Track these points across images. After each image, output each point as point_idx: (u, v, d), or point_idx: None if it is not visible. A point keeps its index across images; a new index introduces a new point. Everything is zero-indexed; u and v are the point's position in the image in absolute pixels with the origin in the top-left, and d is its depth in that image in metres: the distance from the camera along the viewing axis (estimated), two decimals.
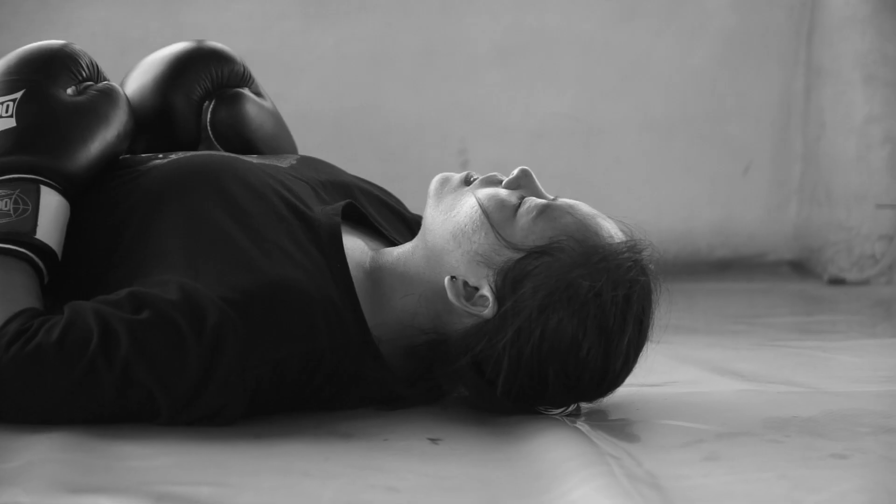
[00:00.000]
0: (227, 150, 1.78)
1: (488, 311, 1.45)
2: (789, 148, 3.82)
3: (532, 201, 1.48)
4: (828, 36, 3.70)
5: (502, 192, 1.50)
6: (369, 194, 1.72)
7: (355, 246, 1.56)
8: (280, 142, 1.89)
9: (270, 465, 1.29)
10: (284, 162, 1.67)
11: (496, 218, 1.47)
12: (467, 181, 1.53)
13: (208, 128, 1.80)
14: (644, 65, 3.75)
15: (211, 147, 1.79)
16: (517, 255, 1.45)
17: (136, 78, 1.82)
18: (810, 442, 1.43)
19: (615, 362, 1.44)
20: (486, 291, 1.46)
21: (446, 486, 1.25)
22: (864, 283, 3.58)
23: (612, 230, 1.48)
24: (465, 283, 1.47)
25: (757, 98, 3.79)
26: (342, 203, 1.60)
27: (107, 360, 1.36)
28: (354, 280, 1.50)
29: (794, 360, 2.11)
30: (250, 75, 1.86)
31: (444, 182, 1.54)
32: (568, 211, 1.48)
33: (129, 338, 1.36)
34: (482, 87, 3.70)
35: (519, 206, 1.48)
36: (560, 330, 1.41)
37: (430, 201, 1.54)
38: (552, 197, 1.51)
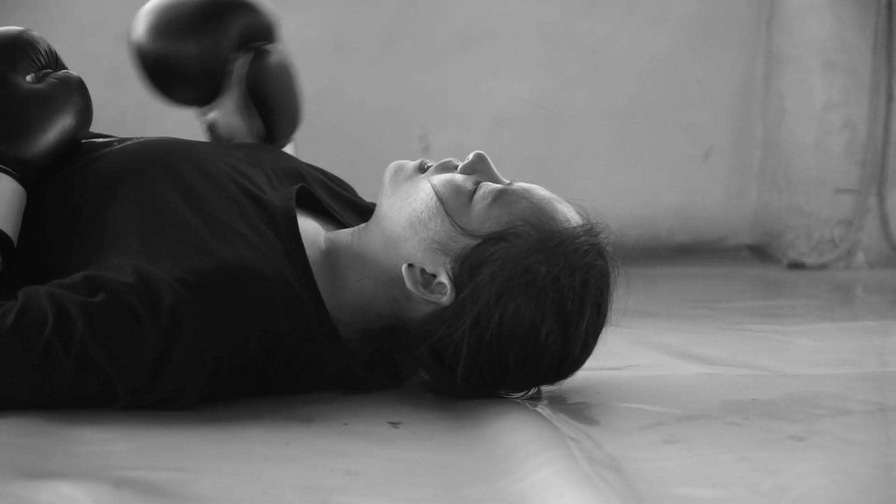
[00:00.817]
0: (256, 105, 1.78)
1: (446, 298, 1.45)
2: (749, 134, 3.84)
3: (487, 187, 1.48)
4: (787, 23, 3.72)
5: (458, 177, 1.50)
6: (321, 182, 1.72)
7: (309, 227, 1.56)
8: (295, 104, 1.87)
9: (230, 450, 1.28)
10: (239, 150, 1.67)
11: (452, 205, 1.47)
12: (422, 168, 1.53)
13: (243, 81, 1.78)
14: (606, 51, 3.76)
15: (236, 100, 1.77)
16: (474, 242, 1.45)
17: (159, 15, 1.77)
18: (769, 424, 1.44)
19: (574, 346, 1.44)
20: (443, 279, 1.45)
21: (406, 469, 1.25)
22: (823, 267, 3.60)
23: (568, 214, 1.49)
24: (423, 271, 1.47)
25: (718, 84, 3.81)
26: (296, 187, 1.60)
27: (63, 343, 1.35)
28: (311, 261, 1.49)
29: (754, 344, 2.12)
30: (278, 25, 1.83)
31: (399, 170, 1.54)
32: (524, 195, 1.48)
33: (84, 321, 1.35)
34: (444, 73, 3.70)
35: (475, 191, 1.48)
36: (518, 315, 1.41)
37: (386, 189, 1.53)
38: (508, 181, 1.51)
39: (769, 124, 3.79)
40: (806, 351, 2.04)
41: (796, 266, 3.61)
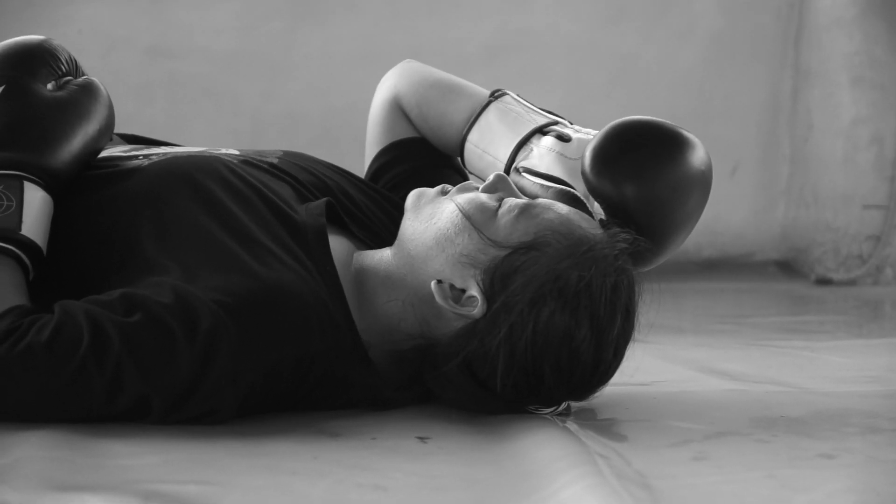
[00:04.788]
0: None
1: (478, 310, 1.45)
2: (777, 149, 3.83)
3: (512, 201, 1.49)
4: (815, 38, 3.71)
5: (481, 195, 1.51)
6: (349, 196, 1.71)
7: (340, 248, 1.56)
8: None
9: (259, 464, 1.29)
10: (268, 158, 1.67)
11: (478, 219, 1.48)
12: (443, 192, 1.54)
13: None
14: (632, 66, 3.76)
15: None
16: (503, 253, 1.45)
17: None
18: (797, 442, 1.43)
19: (607, 352, 1.44)
20: (474, 291, 1.45)
21: (434, 485, 1.24)
22: (851, 283, 3.59)
23: (593, 224, 1.50)
24: (452, 286, 1.47)
25: (744, 99, 3.80)
26: (323, 201, 1.60)
27: (97, 362, 1.35)
28: (342, 283, 1.50)
29: (781, 360, 2.11)
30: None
31: (421, 195, 1.55)
32: (549, 207, 1.49)
33: (120, 340, 1.36)
34: None
35: (499, 206, 1.49)
36: (552, 323, 1.41)
37: (408, 214, 1.54)
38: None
39: (797, 139, 3.78)
40: (834, 367, 2.03)
41: (824, 282, 3.59)
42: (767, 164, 3.82)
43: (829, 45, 3.66)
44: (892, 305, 3.27)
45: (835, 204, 3.65)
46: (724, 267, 3.75)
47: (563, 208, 1.50)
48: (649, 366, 1.89)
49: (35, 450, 1.28)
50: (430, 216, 1.51)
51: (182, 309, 1.37)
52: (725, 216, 3.80)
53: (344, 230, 1.63)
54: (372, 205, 1.72)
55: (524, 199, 1.50)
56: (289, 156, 1.72)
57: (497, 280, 1.44)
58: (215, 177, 1.54)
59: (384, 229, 1.67)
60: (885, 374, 2.00)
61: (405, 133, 1.87)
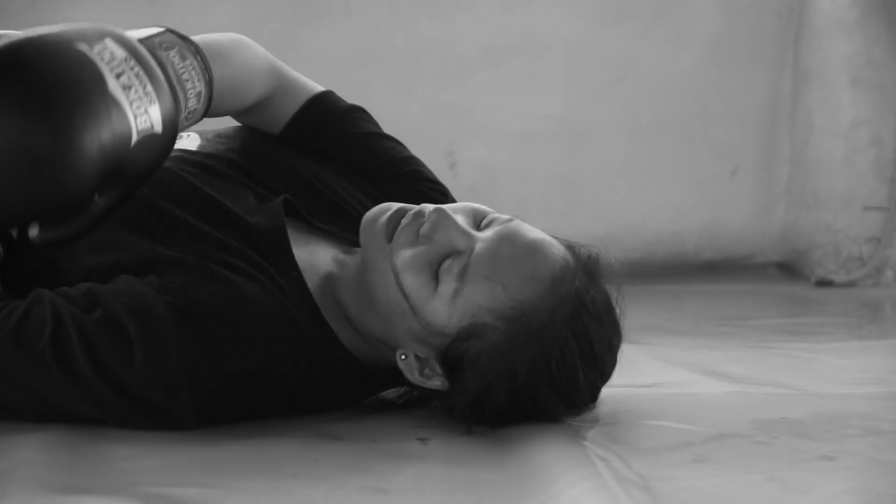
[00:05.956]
0: None
1: (441, 383, 1.44)
2: (777, 150, 3.82)
3: (446, 282, 1.40)
4: (815, 39, 3.71)
5: (419, 259, 1.41)
6: (323, 179, 1.64)
7: (307, 247, 1.53)
8: None
9: (259, 467, 1.29)
10: (226, 154, 1.61)
11: (417, 303, 1.41)
12: (391, 231, 1.44)
13: None
14: (632, 67, 3.75)
15: None
16: (447, 339, 1.41)
17: None
18: (798, 443, 1.43)
19: (582, 395, 1.46)
20: (434, 365, 1.43)
21: (436, 487, 1.25)
22: (852, 285, 3.58)
23: (541, 270, 1.41)
24: (416, 356, 1.44)
25: (744, 101, 3.80)
26: (280, 201, 1.54)
27: (55, 353, 1.35)
28: (311, 289, 1.47)
29: (782, 362, 2.11)
30: None
31: (371, 235, 1.45)
32: (485, 280, 1.39)
33: (77, 335, 1.36)
34: (470, 89, 3.70)
35: (438, 280, 1.41)
36: (516, 392, 1.41)
37: (362, 249, 1.47)
38: (475, 231, 1.43)
39: (797, 141, 3.78)
40: (834, 369, 2.03)
41: (824, 284, 3.59)
42: (767, 166, 3.82)
43: (829, 47, 3.66)
44: (892, 307, 3.27)
45: (835, 205, 3.64)
46: (724, 269, 3.74)
47: (502, 267, 1.40)
48: (649, 368, 1.89)
49: (35, 453, 1.28)
50: (378, 284, 1.44)
51: (141, 311, 1.37)
52: (725, 218, 3.80)
53: (311, 226, 1.58)
54: (349, 184, 1.66)
55: (460, 267, 1.40)
56: (249, 143, 1.65)
57: (449, 363, 1.42)
58: (169, 194, 1.50)
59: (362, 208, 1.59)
60: (886, 376, 2.00)
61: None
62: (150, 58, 1.25)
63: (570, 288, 1.40)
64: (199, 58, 1.36)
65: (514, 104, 3.72)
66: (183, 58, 1.34)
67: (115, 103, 1.18)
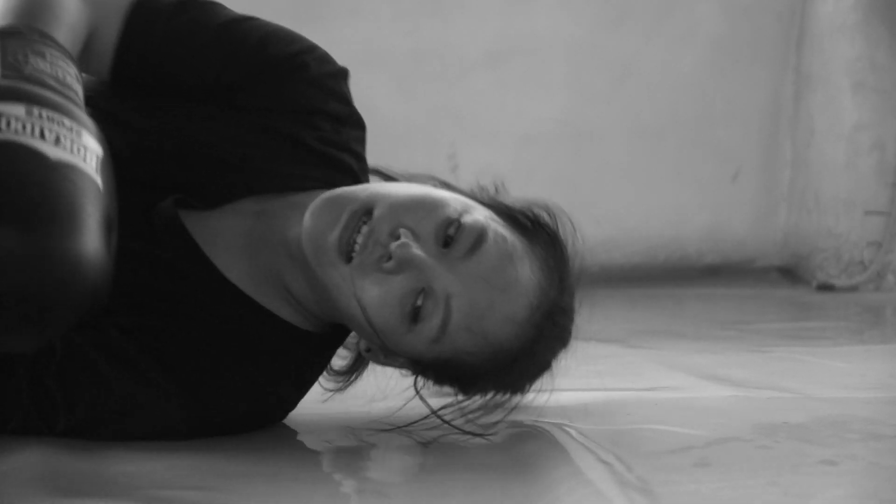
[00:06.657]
0: None
1: (405, 363, 1.42)
2: (778, 154, 3.82)
3: (424, 330, 1.33)
4: (817, 42, 3.71)
5: (389, 298, 1.32)
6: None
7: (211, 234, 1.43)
8: None
9: (260, 470, 1.29)
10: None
11: (390, 337, 1.35)
12: (347, 251, 1.32)
13: None
14: (634, 69, 3.76)
15: None
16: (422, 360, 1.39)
17: None
18: (800, 448, 1.43)
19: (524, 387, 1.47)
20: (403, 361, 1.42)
21: (437, 491, 1.24)
22: (853, 289, 3.58)
23: (519, 313, 1.36)
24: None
25: (746, 104, 3.80)
26: (171, 202, 1.41)
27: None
28: (241, 273, 1.41)
29: (784, 366, 2.11)
30: None
31: (321, 245, 1.33)
32: (466, 331, 1.34)
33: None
34: (472, 91, 3.70)
35: (411, 320, 1.33)
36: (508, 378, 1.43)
37: (311, 257, 1.35)
38: (442, 255, 1.33)
39: (798, 144, 3.78)
40: (835, 374, 2.03)
41: (825, 288, 3.59)
42: (769, 170, 3.82)
43: (831, 50, 3.66)
44: (893, 311, 3.27)
45: (836, 210, 3.65)
46: (725, 273, 3.75)
47: (481, 307, 1.33)
48: (651, 372, 1.89)
49: (34, 456, 1.28)
50: (338, 297, 1.34)
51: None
52: (727, 222, 3.80)
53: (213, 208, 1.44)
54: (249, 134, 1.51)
55: (439, 321, 1.33)
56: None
57: (424, 372, 1.42)
58: None
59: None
60: (888, 381, 2.00)
61: None
62: (36, 88, 1.06)
63: (545, 311, 1.40)
64: (48, 41, 1.14)
65: (515, 106, 3.72)
66: (41, 55, 1.12)
67: (65, 166, 1.03)
